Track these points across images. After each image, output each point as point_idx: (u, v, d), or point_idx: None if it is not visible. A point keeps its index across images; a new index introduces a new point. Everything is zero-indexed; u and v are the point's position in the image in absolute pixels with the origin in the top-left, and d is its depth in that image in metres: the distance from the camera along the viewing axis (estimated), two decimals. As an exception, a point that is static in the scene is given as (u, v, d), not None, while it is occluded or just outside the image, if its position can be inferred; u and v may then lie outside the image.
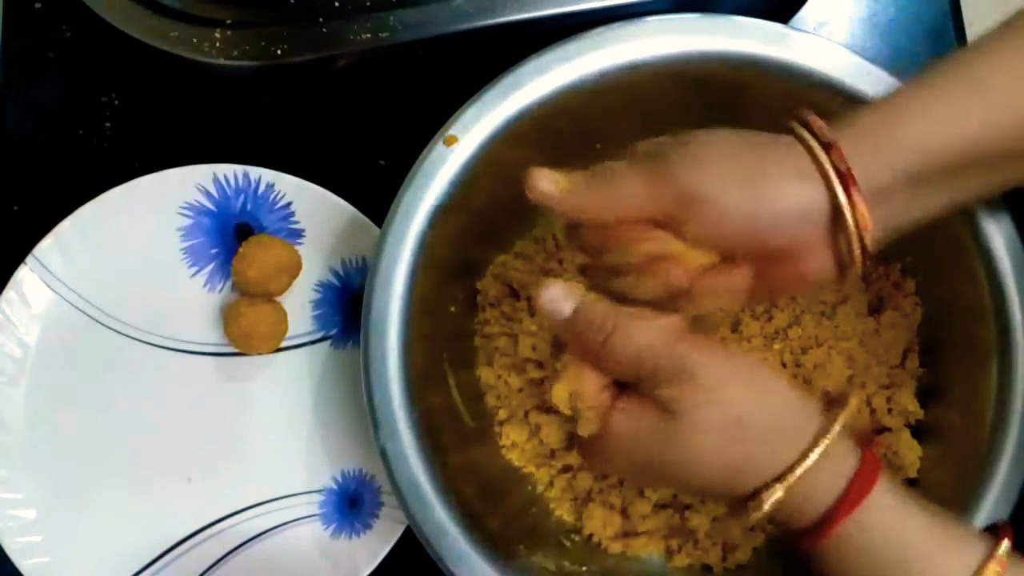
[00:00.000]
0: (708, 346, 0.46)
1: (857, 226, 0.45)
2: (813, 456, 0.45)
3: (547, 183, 0.47)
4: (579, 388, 0.47)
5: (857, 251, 0.46)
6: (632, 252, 0.47)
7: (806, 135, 0.46)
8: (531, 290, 0.63)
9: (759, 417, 0.45)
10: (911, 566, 0.45)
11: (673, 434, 0.45)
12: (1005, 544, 0.45)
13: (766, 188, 0.45)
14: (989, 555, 0.45)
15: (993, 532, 0.47)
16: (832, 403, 0.47)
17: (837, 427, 0.45)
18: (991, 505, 0.53)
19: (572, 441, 0.61)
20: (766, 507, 0.45)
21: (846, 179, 0.45)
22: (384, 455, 0.55)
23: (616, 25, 0.58)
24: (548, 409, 0.61)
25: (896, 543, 0.45)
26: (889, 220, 0.47)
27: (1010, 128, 0.47)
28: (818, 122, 0.47)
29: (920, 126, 0.46)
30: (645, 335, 0.46)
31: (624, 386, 0.48)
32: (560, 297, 0.47)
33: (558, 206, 0.47)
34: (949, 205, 0.49)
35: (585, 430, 0.48)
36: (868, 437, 0.48)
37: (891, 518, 0.45)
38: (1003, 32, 0.48)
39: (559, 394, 0.48)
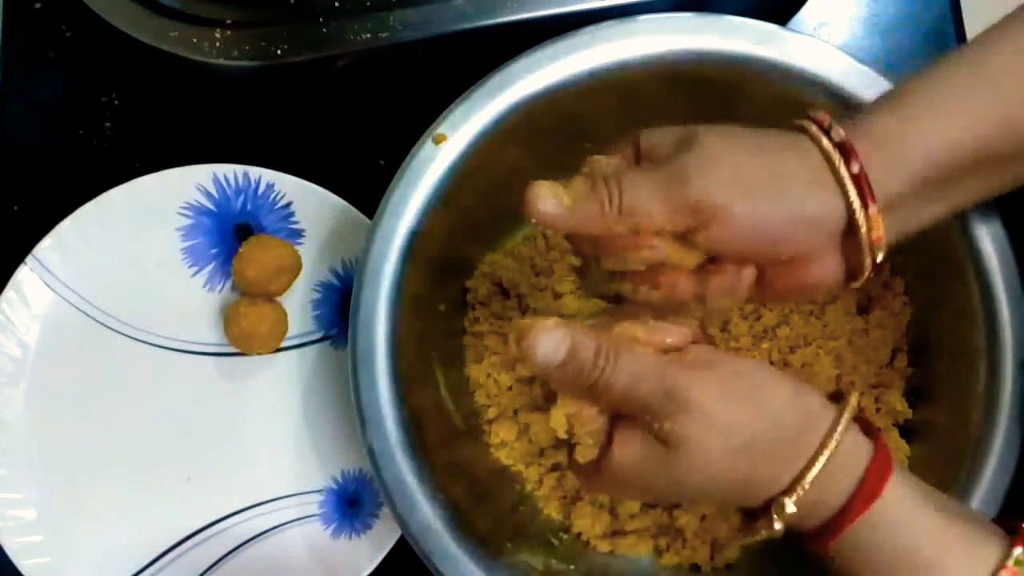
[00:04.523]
0: (699, 368, 0.44)
1: (870, 237, 0.45)
2: (821, 462, 0.44)
3: (549, 202, 0.44)
4: (577, 410, 0.46)
5: (868, 261, 0.46)
6: (629, 260, 0.45)
7: (822, 139, 0.45)
8: (524, 291, 0.63)
9: (761, 436, 0.44)
10: (920, 572, 0.44)
11: (676, 464, 0.44)
12: (1018, 551, 0.44)
13: (781, 196, 0.44)
14: (1000, 564, 0.43)
15: (1009, 530, 0.45)
16: (834, 398, 0.47)
17: (842, 426, 0.44)
18: (978, 505, 0.53)
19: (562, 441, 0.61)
20: (778, 525, 0.44)
21: (863, 191, 0.44)
22: (371, 453, 0.55)
23: (607, 24, 0.58)
24: (537, 407, 0.61)
25: (906, 545, 0.44)
26: (897, 227, 0.47)
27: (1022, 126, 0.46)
28: (832, 124, 0.46)
29: (933, 129, 0.45)
30: (635, 366, 0.44)
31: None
32: (551, 349, 0.44)
33: (563, 225, 0.44)
34: (956, 208, 0.49)
35: (584, 455, 0.46)
36: (875, 428, 0.46)
37: (903, 517, 0.44)
38: (1008, 26, 0.48)
39: (557, 418, 0.46)
